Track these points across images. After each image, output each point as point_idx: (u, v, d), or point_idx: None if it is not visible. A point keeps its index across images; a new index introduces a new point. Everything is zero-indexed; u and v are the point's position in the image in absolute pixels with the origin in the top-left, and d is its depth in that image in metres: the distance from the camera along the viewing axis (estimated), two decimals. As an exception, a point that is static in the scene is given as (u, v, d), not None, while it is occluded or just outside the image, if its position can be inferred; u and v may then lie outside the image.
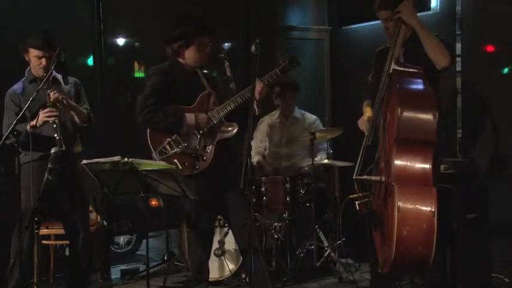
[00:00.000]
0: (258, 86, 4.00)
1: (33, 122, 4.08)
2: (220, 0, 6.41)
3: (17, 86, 4.34)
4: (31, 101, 3.92)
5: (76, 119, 4.25)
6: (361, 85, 4.41)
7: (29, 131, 4.07)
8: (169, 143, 4.01)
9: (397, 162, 3.57)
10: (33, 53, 4.22)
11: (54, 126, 4.02)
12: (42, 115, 4.07)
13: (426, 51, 3.79)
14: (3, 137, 3.85)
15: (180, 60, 4.11)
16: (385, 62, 3.93)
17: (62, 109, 4.17)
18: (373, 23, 5.68)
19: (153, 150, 4.01)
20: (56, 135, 3.98)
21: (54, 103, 4.08)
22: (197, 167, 4.00)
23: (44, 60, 4.20)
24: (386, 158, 3.70)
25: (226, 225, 4.97)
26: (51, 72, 4.09)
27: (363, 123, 4.05)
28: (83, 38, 5.72)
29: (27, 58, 4.28)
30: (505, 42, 5.20)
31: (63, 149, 3.97)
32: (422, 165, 3.55)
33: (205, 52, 4.11)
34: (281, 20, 6.58)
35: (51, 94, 4.08)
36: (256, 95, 3.98)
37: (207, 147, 4.04)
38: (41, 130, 4.15)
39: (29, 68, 4.34)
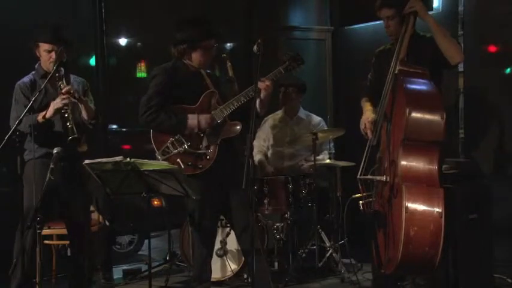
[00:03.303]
0: (265, 83, 4.00)
1: (49, 114, 4.06)
2: (222, 0, 6.40)
3: (27, 79, 4.30)
4: (39, 93, 3.93)
5: (84, 114, 4.23)
6: (361, 85, 4.40)
7: (40, 121, 4.07)
8: (172, 143, 4.01)
9: (404, 162, 3.57)
10: (43, 47, 4.21)
11: (66, 115, 4.00)
12: (53, 104, 4.06)
13: (440, 47, 3.78)
14: (7, 136, 3.84)
15: (185, 61, 4.11)
16: (386, 62, 3.93)
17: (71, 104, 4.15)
18: (375, 23, 5.66)
19: (156, 150, 4.01)
20: (68, 124, 3.97)
21: (67, 95, 4.07)
22: (200, 166, 3.99)
23: (53, 54, 4.17)
24: (391, 158, 3.69)
25: (228, 225, 4.96)
26: (60, 69, 4.09)
27: (365, 125, 4.01)
28: (84, 38, 5.72)
29: (37, 53, 4.26)
30: (508, 42, 5.20)
31: (76, 136, 3.96)
32: (429, 166, 3.55)
33: (211, 54, 4.11)
34: (283, 20, 6.57)
35: (63, 86, 4.07)
36: (263, 92, 3.98)
37: (210, 147, 4.03)
38: (52, 124, 4.14)
39: (39, 62, 4.32)
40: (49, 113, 4.08)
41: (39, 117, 4.09)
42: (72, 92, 4.09)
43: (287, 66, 4.14)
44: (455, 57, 3.81)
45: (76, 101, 4.13)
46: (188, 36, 4.04)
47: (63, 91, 4.06)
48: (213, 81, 4.19)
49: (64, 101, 4.03)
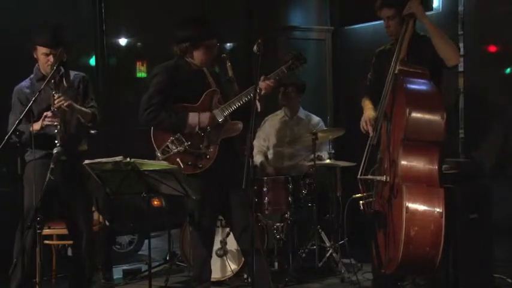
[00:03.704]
0: (266, 83, 3.99)
1: (36, 127, 4.05)
2: (222, 0, 6.40)
3: (25, 84, 4.29)
4: (34, 99, 3.91)
5: (81, 118, 4.24)
6: (361, 84, 4.41)
7: (32, 132, 4.06)
8: (172, 142, 4.01)
9: (404, 162, 3.57)
10: (41, 51, 4.17)
11: (56, 131, 3.98)
12: (44, 120, 4.05)
13: (437, 48, 3.79)
14: (6, 136, 3.84)
15: (187, 59, 4.11)
16: (386, 62, 3.93)
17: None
18: (375, 23, 5.67)
19: (156, 148, 4.01)
20: (56, 142, 3.94)
21: (58, 108, 4.06)
22: (200, 165, 3.99)
23: (51, 57, 4.14)
24: (391, 158, 3.69)
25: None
26: (59, 70, 4.08)
27: (366, 123, 4.02)
28: (84, 38, 5.72)
29: (35, 55, 4.23)
30: (508, 42, 5.20)
31: (65, 158, 3.96)
32: (429, 166, 3.55)
33: (213, 53, 4.11)
34: (283, 20, 6.58)
35: (56, 98, 4.05)
36: (263, 90, 3.97)
37: (211, 146, 4.02)
38: (46, 129, 4.14)
39: (37, 65, 4.29)
40: (39, 126, 4.05)
41: (34, 128, 4.05)
42: (65, 105, 4.05)
43: (290, 66, 4.13)
44: (451, 59, 3.81)
45: (68, 109, 4.10)
46: (191, 34, 4.04)
47: (55, 106, 4.00)
48: (215, 80, 4.18)
49: (54, 120, 4.00)
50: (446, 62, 3.81)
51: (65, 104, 4.03)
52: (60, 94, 4.06)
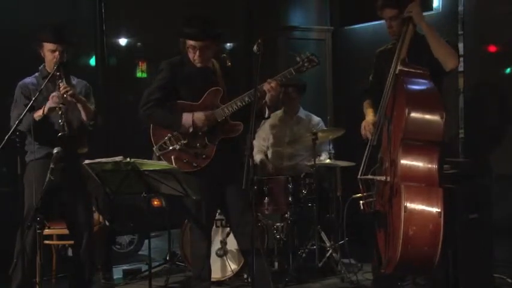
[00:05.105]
0: (270, 84, 3.91)
1: (39, 113, 4.08)
2: (222, 0, 6.40)
3: (29, 80, 4.33)
4: (39, 93, 3.94)
5: (83, 115, 4.25)
6: (361, 86, 4.40)
7: (36, 119, 4.08)
8: (169, 139, 4.01)
9: (404, 162, 3.57)
10: (47, 47, 4.21)
11: (60, 113, 4.01)
12: (50, 100, 4.07)
13: (434, 53, 3.79)
14: (6, 136, 3.84)
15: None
16: (386, 62, 3.93)
17: (69, 106, 4.15)
18: (375, 23, 5.68)
19: (154, 144, 4.01)
20: (60, 121, 3.98)
21: (63, 94, 4.07)
22: (195, 164, 3.97)
23: (57, 54, 4.19)
24: (391, 158, 3.70)
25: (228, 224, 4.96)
26: (60, 69, 4.10)
27: (366, 128, 4.01)
28: (84, 38, 5.72)
29: (42, 54, 4.27)
30: (508, 42, 5.19)
31: (66, 133, 3.96)
32: (428, 166, 3.55)
33: (198, 55, 3.96)
34: (283, 20, 6.58)
35: (61, 85, 4.08)
36: (268, 94, 3.92)
37: (208, 146, 4.01)
38: (50, 123, 4.14)
39: (43, 65, 4.34)
40: (44, 109, 4.09)
41: (35, 115, 4.10)
42: (69, 91, 4.08)
43: (300, 67, 3.96)
44: (449, 63, 3.81)
45: (73, 99, 4.13)
46: (181, 32, 4.02)
47: (61, 90, 4.06)
48: (226, 78, 4.11)
49: (59, 100, 4.03)
50: (444, 66, 3.81)
51: (69, 92, 4.07)
52: (65, 84, 4.08)
